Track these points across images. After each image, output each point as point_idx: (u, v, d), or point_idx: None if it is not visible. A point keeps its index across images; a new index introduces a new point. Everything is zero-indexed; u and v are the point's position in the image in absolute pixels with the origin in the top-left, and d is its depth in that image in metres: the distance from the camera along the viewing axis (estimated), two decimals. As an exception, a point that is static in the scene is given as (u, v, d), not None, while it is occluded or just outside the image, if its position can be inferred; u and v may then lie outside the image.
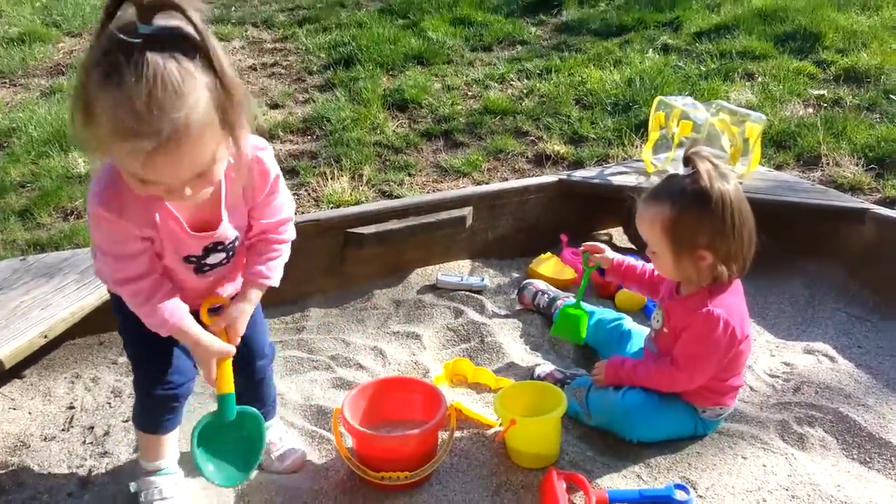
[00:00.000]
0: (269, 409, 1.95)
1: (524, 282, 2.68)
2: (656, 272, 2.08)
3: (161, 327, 1.56)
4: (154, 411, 1.76)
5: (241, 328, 1.66)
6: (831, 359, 2.31)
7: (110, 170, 1.41)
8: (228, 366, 1.62)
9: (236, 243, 1.64)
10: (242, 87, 1.31)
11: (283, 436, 1.98)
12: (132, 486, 1.79)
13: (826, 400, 2.11)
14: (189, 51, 1.22)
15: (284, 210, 1.68)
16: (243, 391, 1.84)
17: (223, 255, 1.62)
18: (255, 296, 1.68)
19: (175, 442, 1.85)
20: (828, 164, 3.55)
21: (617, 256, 2.22)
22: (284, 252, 1.70)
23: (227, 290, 1.73)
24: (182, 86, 1.20)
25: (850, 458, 1.93)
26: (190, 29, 1.22)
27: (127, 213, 1.43)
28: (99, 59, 1.21)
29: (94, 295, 2.18)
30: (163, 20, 1.21)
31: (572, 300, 2.39)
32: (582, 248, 2.27)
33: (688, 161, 1.85)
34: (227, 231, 1.58)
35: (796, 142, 3.74)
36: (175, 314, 1.56)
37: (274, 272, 1.68)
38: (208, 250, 1.58)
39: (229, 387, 1.63)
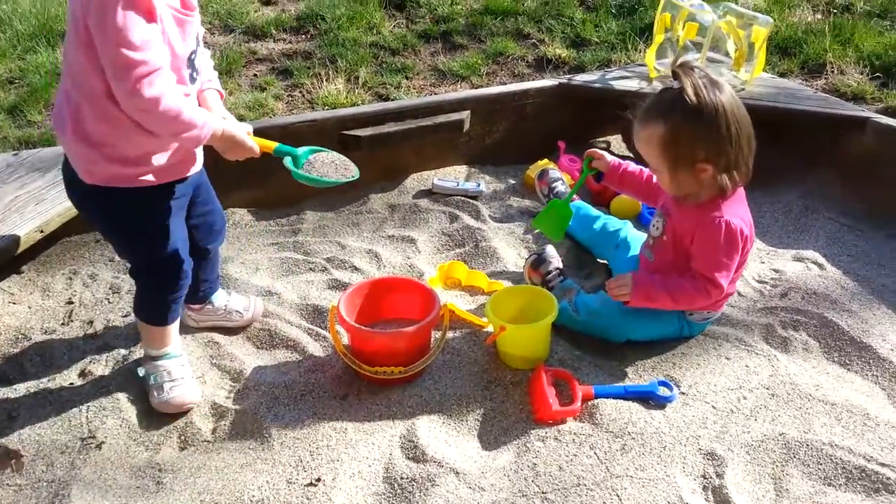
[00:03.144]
0: (214, 281, 2.06)
1: (544, 168, 2.67)
2: (644, 170, 2.10)
3: (203, 129, 1.57)
4: (166, 301, 1.80)
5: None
6: (820, 266, 2.35)
7: None
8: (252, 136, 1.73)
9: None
10: None
11: (230, 297, 2.11)
12: (140, 371, 1.86)
13: (812, 305, 2.15)
14: None
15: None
16: (199, 268, 1.95)
17: (197, 48, 1.65)
18: (219, 100, 1.76)
19: (178, 329, 1.90)
20: (832, 72, 3.48)
21: (615, 160, 2.20)
22: (211, 62, 1.79)
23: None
24: None
25: (830, 361, 1.99)
26: None
27: None
28: None
29: (87, 192, 2.18)
30: None
31: (579, 204, 2.48)
32: (586, 153, 2.25)
33: (675, 75, 1.79)
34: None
35: (802, 48, 3.65)
36: (208, 114, 1.61)
37: (216, 77, 1.78)
38: (196, 41, 1.62)
39: (272, 143, 1.77)
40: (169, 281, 1.77)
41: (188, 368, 1.88)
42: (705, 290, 1.85)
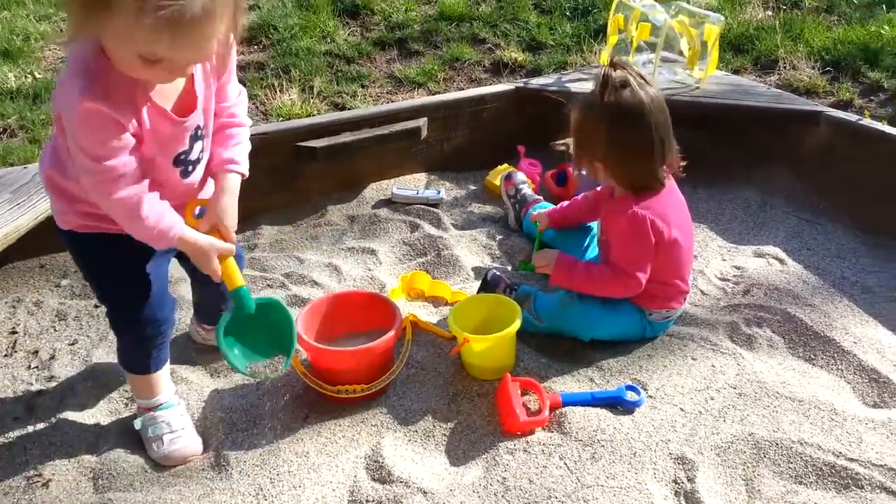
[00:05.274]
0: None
1: (511, 171, 2.67)
2: (580, 196, 2.27)
3: (160, 239, 1.50)
4: (142, 350, 1.70)
5: (232, 223, 1.61)
6: (781, 261, 2.35)
7: (85, 63, 1.35)
8: (232, 261, 1.59)
9: (210, 129, 1.59)
10: None
11: None
12: (136, 423, 1.73)
13: (774, 301, 2.15)
14: None
15: (242, 92, 1.65)
16: (214, 293, 1.82)
17: (201, 144, 1.57)
18: (234, 185, 1.61)
19: (168, 375, 1.80)
20: (785, 67, 3.52)
21: (550, 207, 2.38)
22: (246, 139, 1.66)
23: (207, 191, 1.67)
24: None
25: (795, 356, 1.99)
26: None
27: (112, 101, 1.36)
28: None
29: (28, 215, 2.08)
30: None
31: (543, 204, 2.48)
32: (531, 218, 2.41)
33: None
34: (203, 112, 1.54)
35: (754, 45, 3.69)
36: (174, 223, 1.51)
37: (242, 158, 1.64)
38: (192, 139, 1.53)
39: (239, 280, 1.60)
40: (143, 329, 1.66)
41: (187, 418, 1.78)
42: (622, 282, 1.93)
